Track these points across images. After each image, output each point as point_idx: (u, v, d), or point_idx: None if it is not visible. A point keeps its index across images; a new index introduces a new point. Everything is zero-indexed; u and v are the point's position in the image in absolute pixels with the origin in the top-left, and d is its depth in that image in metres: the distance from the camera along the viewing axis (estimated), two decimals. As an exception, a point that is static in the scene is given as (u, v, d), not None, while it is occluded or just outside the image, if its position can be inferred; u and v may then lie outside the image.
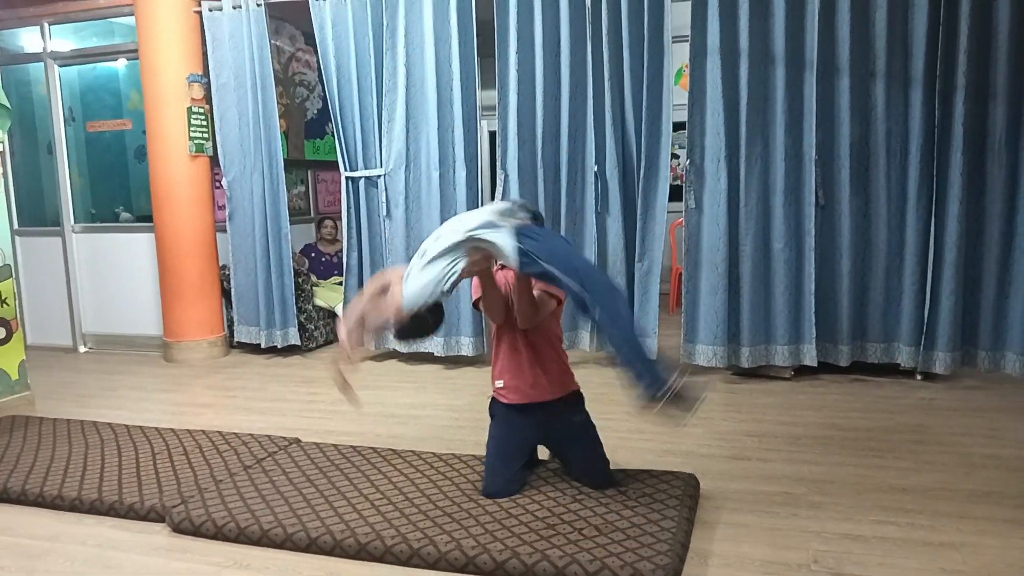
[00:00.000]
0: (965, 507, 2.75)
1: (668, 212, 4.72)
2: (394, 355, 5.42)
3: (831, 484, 2.99)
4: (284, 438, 3.62)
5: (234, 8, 5.29)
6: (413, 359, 5.30)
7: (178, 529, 2.77)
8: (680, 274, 4.84)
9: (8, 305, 4.34)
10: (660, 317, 4.67)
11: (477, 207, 4.94)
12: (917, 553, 2.43)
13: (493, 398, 3.07)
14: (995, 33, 4.03)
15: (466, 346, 5.02)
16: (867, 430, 3.61)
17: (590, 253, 4.76)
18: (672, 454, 3.37)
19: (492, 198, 4.92)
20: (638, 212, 4.61)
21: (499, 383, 2.99)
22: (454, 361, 5.14)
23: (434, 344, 5.09)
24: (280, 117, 5.50)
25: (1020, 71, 4.01)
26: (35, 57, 6.09)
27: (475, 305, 3.04)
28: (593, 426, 2.98)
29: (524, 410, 2.94)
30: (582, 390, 3.04)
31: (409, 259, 5.06)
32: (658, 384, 2.38)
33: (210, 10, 5.34)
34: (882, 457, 3.26)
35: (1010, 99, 4.04)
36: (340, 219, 5.90)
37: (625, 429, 3.62)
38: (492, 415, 3.06)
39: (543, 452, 3.20)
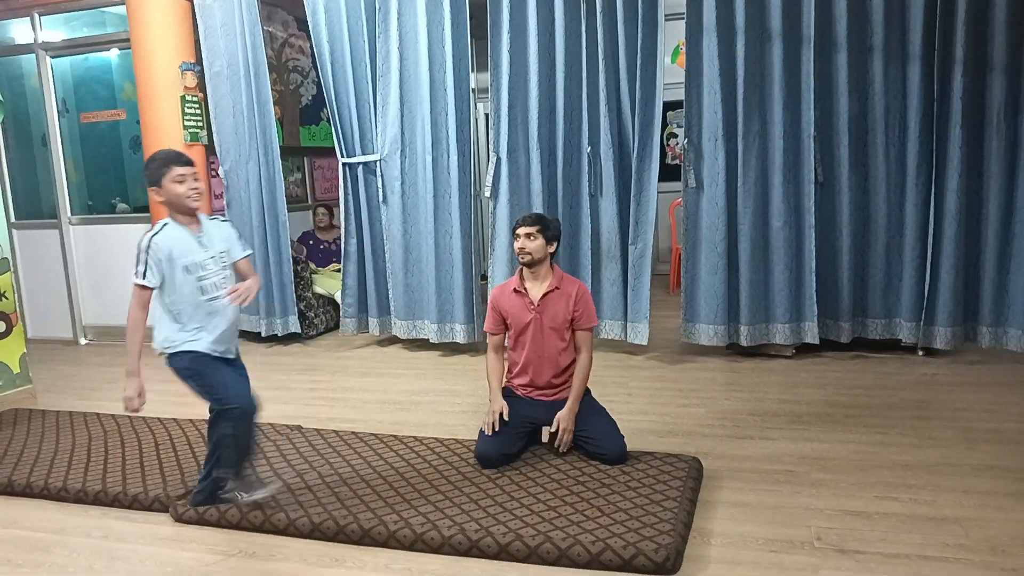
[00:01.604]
0: (967, 481, 2.76)
1: (667, 192, 4.69)
2: (394, 341, 5.42)
3: (833, 461, 2.99)
4: (286, 426, 3.63)
5: (225, -5, 5.24)
6: (413, 346, 5.30)
7: (181, 519, 2.78)
8: (680, 254, 4.82)
9: (7, 299, 4.33)
10: (661, 297, 4.66)
11: (469, 192, 4.92)
12: (920, 528, 2.44)
13: (507, 388, 3.15)
14: (993, 5, 3.99)
15: (459, 333, 5.00)
16: (869, 407, 3.61)
17: (585, 236, 4.73)
18: (674, 434, 3.37)
19: (485, 181, 4.88)
20: (631, 194, 4.58)
21: (517, 380, 3.13)
22: (452, 348, 5.14)
23: (429, 331, 5.08)
24: (275, 104, 5.46)
25: (1018, 44, 3.98)
26: (26, 48, 6.04)
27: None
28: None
29: (538, 402, 3.10)
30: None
31: (407, 245, 5.09)
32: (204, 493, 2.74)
33: (201, -3, 5.29)
34: (884, 433, 3.26)
35: (1008, 72, 4.01)
36: (335, 206, 5.89)
37: (627, 411, 3.62)
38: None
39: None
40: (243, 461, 2.73)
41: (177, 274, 2.53)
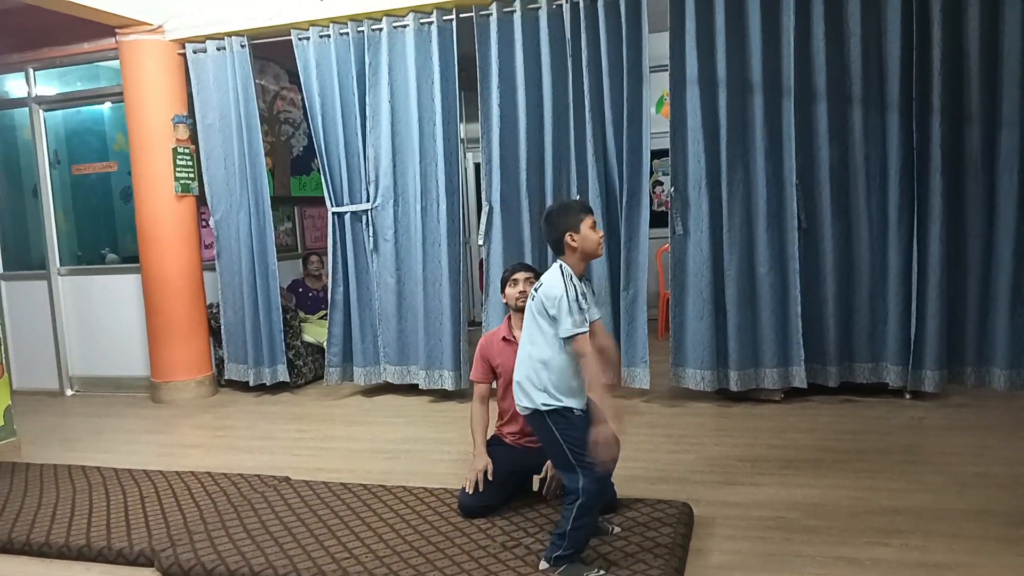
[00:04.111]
0: (958, 526, 2.76)
1: (655, 238, 4.75)
2: (382, 390, 5.40)
3: (824, 507, 2.98)
4: (274, 477, 3.59)
5: (218, 50, 5.33)
6: (401, 395, 5.28)
7: (167, 574, 2.73)
8: (668, 300, 4.86)
9: (-7, 350, 4.30)
10: (650, 343, 4.67)
11: (458, 240, 4.97)
12: (911, 574, 2.43)
13: (495, 436, 3.13)
14: (967, 57, 4.12)
15: (448, 380, 5.00)
16: (859, 451, 3.62)
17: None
18: (664, 481, 3.36)
19: (478, 229, 4.94)
20: (621, 241, 4.64)
21: (506, 428, 3.12)
22: (441, 395, 5.12)
23: (418, 377, 5.08)
24: (266, 155, 5.52)
25: (992, 93, 4.10)
26: (20, 102, 6.11)
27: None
28: None
29: (528, 450, 3.06)
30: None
31: (400, 292, 5.11)
32: (558, 558, 2.48)
33: (194, 52, 5.38)
34: (874, 478, 3.26)
35: (984, 120, 4.12)
36: (324, 255, 5.91)
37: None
38: (490, 444, 3.11)
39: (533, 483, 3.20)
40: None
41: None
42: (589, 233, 2.48)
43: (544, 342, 2.47)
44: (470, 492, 2.94)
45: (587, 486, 2.40)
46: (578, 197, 4.70)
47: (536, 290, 2.52)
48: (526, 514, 2.95)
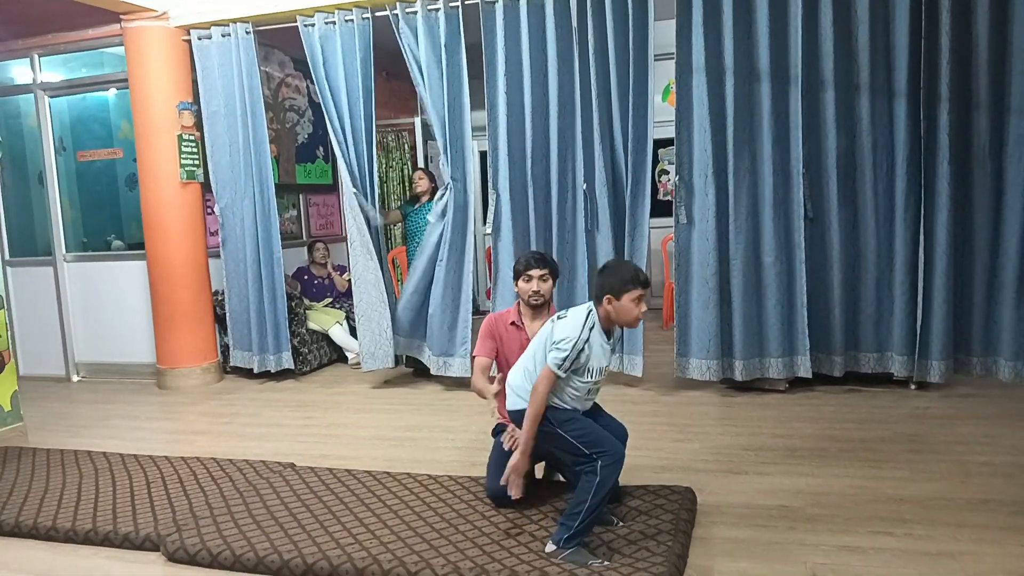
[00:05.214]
0: (962, 515, 2.76)
1: (660, 227, 4.73)
2: (388, 377, 5.40)
3: (828, 496, 2.99)
4: (279, 463, 3.61)
5: (223, 36, 5.32)
6: (407, 382, 5.29)
7: (173, 558, 2.75)
8: (672, 289, 4.85)
9: (1, 337, 4.32)
10: (655, 332, 4.67)
11: (465, 228, 4.95)
12: (915, 563, 2.43)
13: (501, 424, 3.14)
14: (975, 44, 4.08)
15: (454, 367, 5.00)
16: (863, 441, 3.62)
17: (581, 272, 4.77)
18: (669, 470, 3.37)
19: (484, 218, 4.93)
20: (626, 229, 4.63)
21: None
22: (446, 383, 5.13)
23: (430, 361, 5.09)
24: (271, 142, 5.51)
25: (1000, 81, 4.07)
26: (25, 89, 6.11)
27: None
28: None
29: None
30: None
31: (411, 274, 5.09)
32: (568, 539, 2.49)
33: (199, 38, 5.37)
34: (878, 467, 3.26)
35: (992, 108, 4.09)
36: (331, 242, 5.90)
37: (621, 446, 3.61)
38: (495, 434, 3.10)
39: (539, 473, 3.21)
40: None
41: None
42: (630, 306, 2.48)
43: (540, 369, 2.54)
44: (507, 446, 2.86)
45: (605, 464, 2.43)
46: (585, 186, 4.66)
47: (558, 318, 2.58)
48: (531, 501, 2.95)
